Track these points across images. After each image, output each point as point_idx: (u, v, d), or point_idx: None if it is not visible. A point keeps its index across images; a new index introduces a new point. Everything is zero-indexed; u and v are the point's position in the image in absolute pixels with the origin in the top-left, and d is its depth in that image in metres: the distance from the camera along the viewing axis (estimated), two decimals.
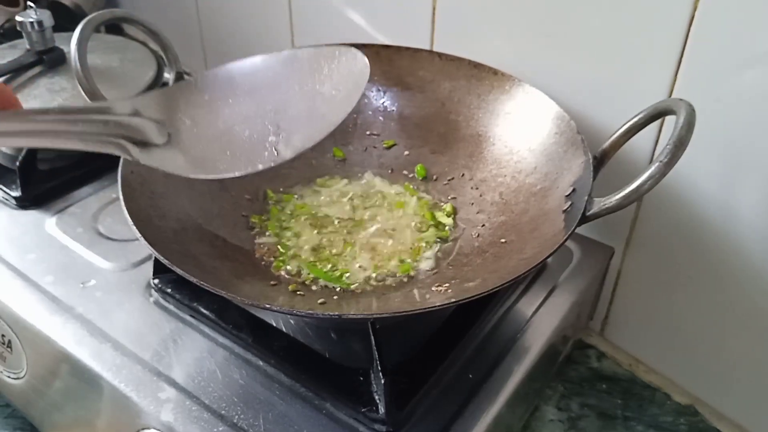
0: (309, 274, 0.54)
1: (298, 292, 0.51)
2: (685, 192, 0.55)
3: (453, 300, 0.43)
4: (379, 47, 0.65)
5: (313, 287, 0.53)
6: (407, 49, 0.64)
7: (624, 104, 0.56)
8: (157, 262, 0.56)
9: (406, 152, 0.65)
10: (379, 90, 0.66)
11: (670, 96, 0.53)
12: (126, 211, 0.48)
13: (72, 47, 0.55)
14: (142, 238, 0.46)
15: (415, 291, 0.52)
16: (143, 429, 0.48)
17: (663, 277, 0.61)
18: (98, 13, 0.59)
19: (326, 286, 0.53)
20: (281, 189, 0.62)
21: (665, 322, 0.62)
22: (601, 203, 0.44)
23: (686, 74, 0.51)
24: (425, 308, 0.44)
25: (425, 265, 0.55)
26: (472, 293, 0.42)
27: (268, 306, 0.44)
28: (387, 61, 0.65)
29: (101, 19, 0.59)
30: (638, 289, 0.63)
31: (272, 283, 0.53)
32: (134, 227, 0.46)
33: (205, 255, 0.51)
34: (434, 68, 0.63)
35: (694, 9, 0.49)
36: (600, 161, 0.50)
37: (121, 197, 0.49)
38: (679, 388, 0.63)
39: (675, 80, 0.52)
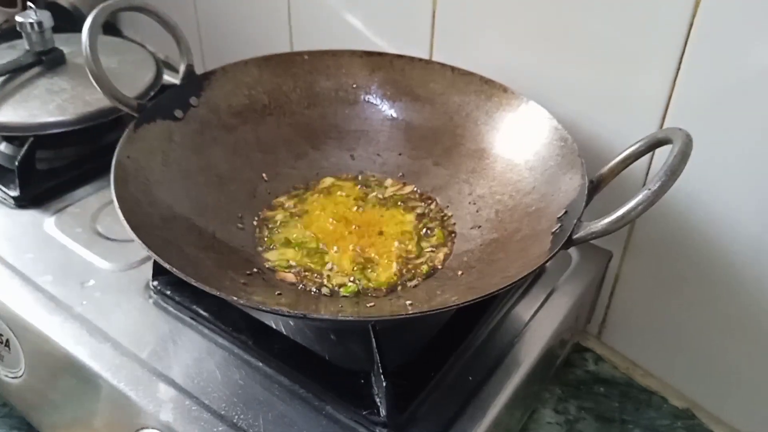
0: (300, 270, 0.54)
1: (278, 293, 0.51)
2: (682, 198, 0.55)
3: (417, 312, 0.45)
4: (392, 57, 0.65)
5: (300, 286, 0.54)
6: (420, 60, 0.65)
7: (623, 110, 0.57)
8: (156, 264, 0.56)
9: (410, 162, 0.65)
10: (388, 99, 0.66)
11: (668, 104, 0.53)
12: (114, 194, 0.48)
13: (84, 32, 0.55)
14: (124, 221, 0.46)
15: (394, 300, 0.52)
16: (142, 429, 0.48)
17: (661, 281, 0.61)
18: (114, 1, 0.58)
19: (307, 289, 0.53)
20: (281, 189, 0.63)
21: (663, 325, 0.63)
22: (588, 228, 0.44)
23: (684, 83, 0.52)
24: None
25: (414, 278, 0.55)
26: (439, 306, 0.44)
27: (241, 301, 0.44)
28: (399, 71, 0.65)
29: (116, 6, 0.59)
30: (636, 293, 0.64)
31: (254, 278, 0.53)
32: (119, 210, 0.47)
33: (190, 245, 0.51)
34: (446, 81, 0.63)
35: (694, 14, 0.49)
36: (596, 186, 0.50)
37: (112, 180, 0.50)
38: (675, 391, 0.63)
39: (673, 89, 0.53)
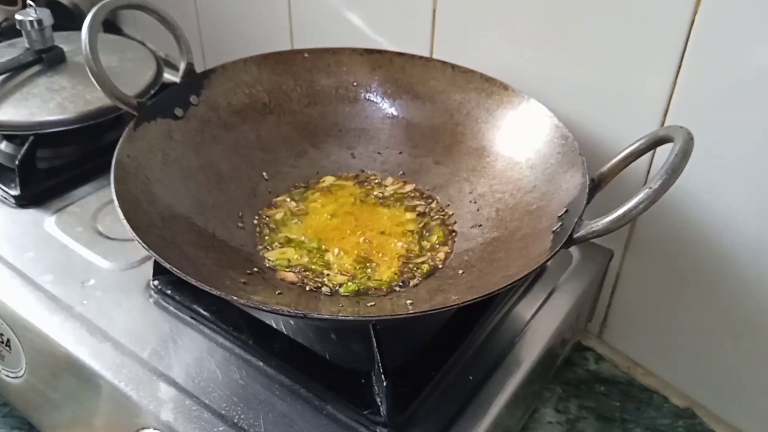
0: (302, 270, 0.54)
1: (278, 292, 0.51)
2: (683, 198, 0.55)
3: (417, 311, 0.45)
4: (392, 54, 0.65)
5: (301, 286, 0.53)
6: (420, 58, 0.64)
7: (624, 108, 0.57)
8: (156, 263, 0.56)
9: (410, 161, 0.64)
10: (389, 97, 0.66)
11: (669, 104, 0.53)
12: (114, 193, 0.48)
13: (84, 30, 0.55)
14: (124, 220, 0.46)
15: (395, 299, 0.52)
16: (143, 428, 0.48)
17: (661, 280, 0.61)
18: None
19: (308, 289, 0.53)
20: (282, 188, 0.63)
21: (663, 325, 0.62)
22: (588, 226, 0.44)
23: (685, 82, 0.52)
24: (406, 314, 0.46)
25: (414, 278, 0.55)
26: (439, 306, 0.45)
27: (242, 301, 0.44)
28: (399, 69, 0.65)
29: (116, 4, 0.59)
30: (637, 292, 0.64)
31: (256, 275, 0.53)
32: (119, 209, 0.47)
33: (190, 244, 0.51)
34: (446, 79, 0.63)
35: (695, 13, 0.49)
36: (597, 185, 0.50)
37: (112, 179, 0.50)
38: (676, 390, 0.63)
39: (674, 88, 0.53)
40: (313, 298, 0.52)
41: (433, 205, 0.61)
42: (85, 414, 0.54)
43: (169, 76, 0.79)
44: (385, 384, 0.45)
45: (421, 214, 0.60)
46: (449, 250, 0.57)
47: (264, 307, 0.43)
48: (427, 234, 0.58)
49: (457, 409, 0.48)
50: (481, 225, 0.57)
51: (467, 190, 0.60)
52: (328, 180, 0.64)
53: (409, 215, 0.60)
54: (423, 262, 0.55)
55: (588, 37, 0.56)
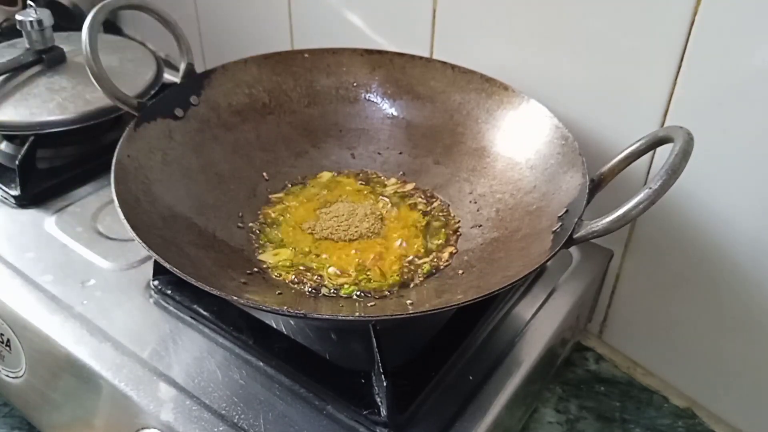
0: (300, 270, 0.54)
1: (278, 292, 0.51)
2: (683, 197, 0.55)
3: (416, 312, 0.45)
4: (393, 55, 0.65)
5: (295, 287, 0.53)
6: (420, 58, 0.64)
7: (624, 108, 0.57)
8: (156, 263, 0.56)
9: (410, 161, 0.64)
10: (389, 97, 0.66)
11: (669, 104, 0.53)
12: (114, 193, 0.48)
13: (84, 30, 0.55)
14: (124, 220, 0.46)
15: (395, 299, 0.52)
16: (143, 428, 0.48)
17: (661, 280, 0.61)
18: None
19: (307, 289, 0.53)
20: (282, 188, 0.63)
21: (663, 325, 0.62)
22: (588, 227, 0.44)
23: (685, 82, 0.52)
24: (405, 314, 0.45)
25: (414, 278, 0.55)
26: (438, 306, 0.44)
27: (241, 301, 0.44)
28: (400, 70, 0.65)
29: (116, 5, 0.59)
30: (637, 292, 0.64)
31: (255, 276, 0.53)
32: (119, 209, 0.47)
33: (190, 244, 0.51)
34: (446, 80, 0.63)
35: (695, 13, 0.49)
36: (597, 185, 0.50)
37: (112, 179, 0.50)
38: (676, 390, 0.63)
39: (674, 88, 0.53)
40: (313, 298, 0.52)
41: (435, 204, 0.61)
42: (85, 414, 0.54)
43: (169, 76, 0.79)
44: (385, 384, 0.45)
45: (424, 214, 0.60)
46: (453, 251, 0.57)
47: (264, 307, 0.43)
48: (429, 234, 0.58)
49: (457, 409, 0.48)
50: (481, 225, 0.57)
51: (467, 191, 0.60)
52: (326, 176, 0.64)
53: (411, 215, 0.60)
54: (424, 263, 0.55)
55: (588, 37, 0.56)
